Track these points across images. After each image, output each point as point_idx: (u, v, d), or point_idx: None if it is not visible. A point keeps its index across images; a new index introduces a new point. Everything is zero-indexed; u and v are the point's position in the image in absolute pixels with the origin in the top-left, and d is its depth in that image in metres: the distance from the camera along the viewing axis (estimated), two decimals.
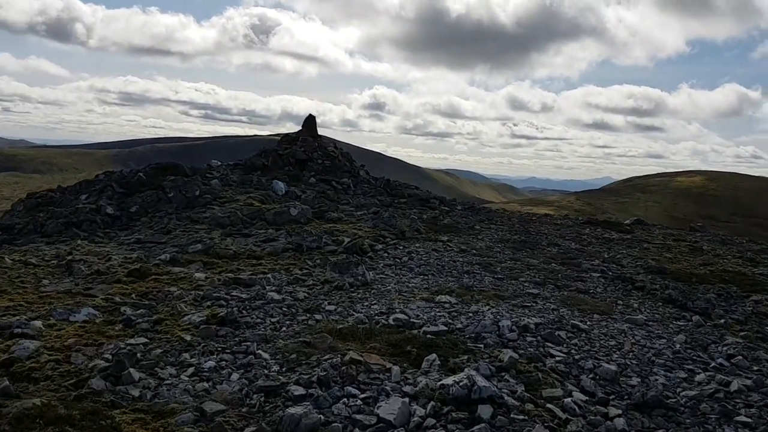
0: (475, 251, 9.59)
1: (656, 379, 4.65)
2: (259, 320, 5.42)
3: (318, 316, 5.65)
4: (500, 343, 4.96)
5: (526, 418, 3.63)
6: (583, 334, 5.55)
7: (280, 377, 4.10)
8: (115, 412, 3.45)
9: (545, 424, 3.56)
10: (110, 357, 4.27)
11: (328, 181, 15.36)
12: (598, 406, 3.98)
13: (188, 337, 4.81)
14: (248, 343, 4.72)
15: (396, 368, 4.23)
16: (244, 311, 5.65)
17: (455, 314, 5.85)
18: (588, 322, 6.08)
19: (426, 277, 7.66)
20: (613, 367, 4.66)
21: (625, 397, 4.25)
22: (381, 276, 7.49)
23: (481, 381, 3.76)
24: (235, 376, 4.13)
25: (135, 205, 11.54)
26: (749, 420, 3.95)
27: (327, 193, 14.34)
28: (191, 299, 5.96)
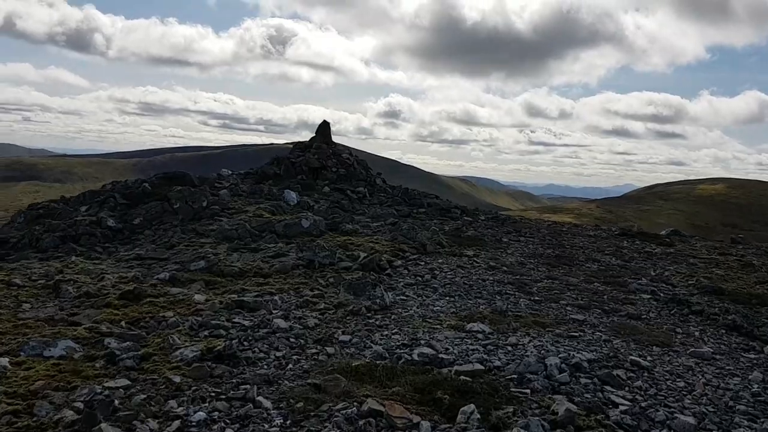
0: (505, 268, 8.81)
1: None
2: (262, 355, 4.72)
3: (330, 349, 4.94)
4: (550, 388, 4.19)
5: None
6: (646, 374, 4.76)
7: None
8: None
9: None
10: (81, 406, 3.60)
11: (343, 190, 14.70)
12: None
13: (177, 379, 4.12)
14: (247, 386, 4.02)
15: (425, 424, 3.49)
16: (245, 342, 4.96)
17: (491, 348, 5.09)
18: (648, 357, 5.28)
19: (452, 299, 6.91)
20: (691, 420, 3.87)
21: None
22: (402, 298, 6.76)
23: None
24: None
25: (138, 217, 10.98)
26: None
27: (341, 202, 13.67)
28: (187, 328, 5.28)
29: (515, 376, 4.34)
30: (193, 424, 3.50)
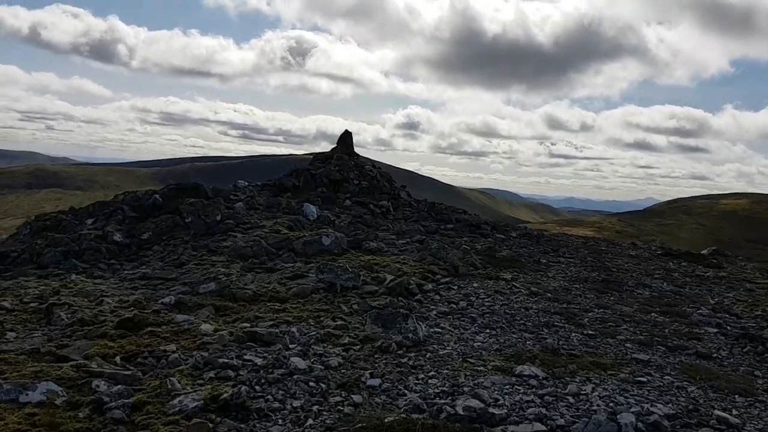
0: (549, 294, 8.01)
1: None
2: (276, 404, 4.02)
3: (357, 398, 4.22)
4: None
5: None
6: None
7: None
8: None
9: None
10: None
11: (366, 204, 14.02)
12: None
13: None
14: None
15: None
16: (257, 387, 4.27)
17: (549, 399, 4.32)
18: (734, 411, 4.48)
19: (494, 332, 6.15)
20: None
21: None
22: (436, 331, 6.01)
23: None
24: None
25: (147, 232, 10.41)
26: None
27: (364, 217, 12.99)
28: (190, 366, 4.62)
29: None
30: None
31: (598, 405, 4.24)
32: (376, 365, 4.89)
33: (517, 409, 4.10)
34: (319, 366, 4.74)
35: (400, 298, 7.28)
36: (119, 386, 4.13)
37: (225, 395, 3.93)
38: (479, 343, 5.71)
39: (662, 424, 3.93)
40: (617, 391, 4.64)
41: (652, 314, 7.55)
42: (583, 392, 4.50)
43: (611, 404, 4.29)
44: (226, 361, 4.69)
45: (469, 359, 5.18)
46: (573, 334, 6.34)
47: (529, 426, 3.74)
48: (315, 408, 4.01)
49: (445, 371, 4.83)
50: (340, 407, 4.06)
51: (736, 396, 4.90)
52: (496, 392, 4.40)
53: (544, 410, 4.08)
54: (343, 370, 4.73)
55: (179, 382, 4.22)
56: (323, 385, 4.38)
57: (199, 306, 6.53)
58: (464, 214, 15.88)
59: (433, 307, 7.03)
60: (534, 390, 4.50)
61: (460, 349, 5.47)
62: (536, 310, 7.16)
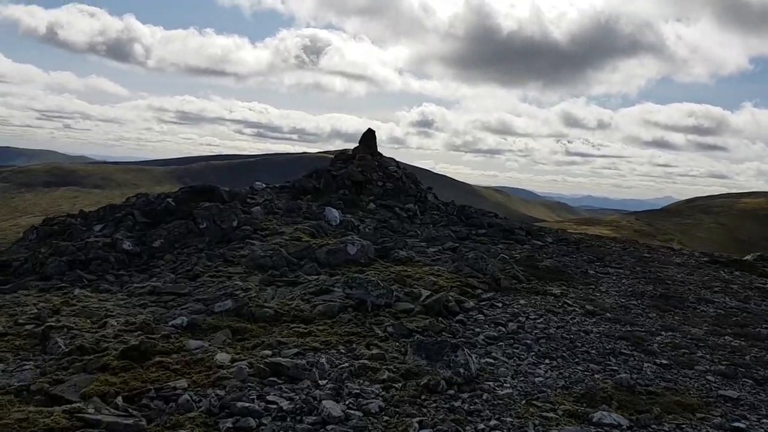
0: (608, 314, 7.20)
1: None
2: None
3: None
4: None
5: None
6: None
7: None
8: None
9: None
10: None
11: (391, 207, 13.29)
12: None
13: None
14: None
15: None
16: None
17: None
18: None
19: (555, 363, 5.37)
20: None
21: None
22: (488, 362, 5.25)
23: None
24: None
25: (159, 239, 9.79)
26: None
27: (390, 222, 12.26)
28: (203, 412, 3.92)
29: None
30: None
31: None
32: (425, 410, 4.15)
33: None
34: (357, 412, 4.01)
35: (439, 318, 6.54)
36: None
37: None
38: (541, 378, 4.94)
39: None
40: None
41: (726, 337, 6.72)
42: None
43: None
44: (246, 405, 3.98)
45: (534, 402, 4.41)
46: (645, 365, 5.54)
47: None
48: None
49: (509, 419, 4.07)
50: None
51: None
52: None
53: None
54: (386, 417, 3.99)
55: None
56: None
57: (214, 328, 5.84)
58: (496, 217, 15.09)
59: (478, 329, 6.26)
60: None
61: (521, 387, 4.70)
62: (597, 333, 6.36)
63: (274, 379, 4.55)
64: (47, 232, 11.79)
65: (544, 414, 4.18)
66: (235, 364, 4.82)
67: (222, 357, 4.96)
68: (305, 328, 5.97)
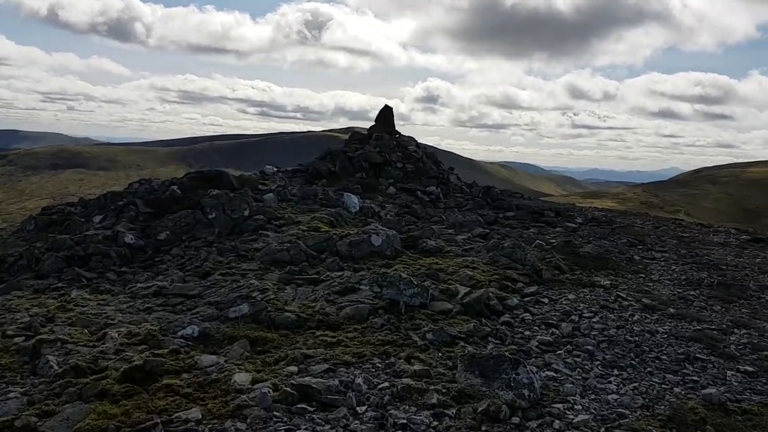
0: (670, 309, 6.46)
1: None
2: None
3: None
4: None
5: None
6: None
7: None
8: None
9: None
10: None
11: (412, 190, 12.54)
12: None
13: None
14: None
15: None
16: None
17: None
18: None
19: (625, 374, 4.67)
20: None
21: None
22: (550, 375, 4.55)
23: None
24: None
25: (164, 231, 9.11)
26: None
27: (412, 207, 11.52)
28: None
29: None
30: None
31: None
32: None
33: None
34: None
35: (482, 320, 5.85)
36: None
37: None
38: (615, 396, 4.24)
39: None
40: None
41: None
42: None
43: None
44: None
45: (617, 430, 3.71)
46: (728, 373, 4.83)
47: None
48: None
49: None
50: None
51: None
52: None
53: None
54: None
55: None
56: None
57: (229, 339, 5.18)
58: (523, 198, 14.31)
59: (528, 333, 5.56)
60: None
61: (595, 409, 4.00)
62: (664, 334, 5.64)
63: (304, 406, 3.89)
64: (46, 222, 11.18)
65: None
66: (256, 386, 4.15)
67: (241, 378, 4.30)
68: (333, 336, 5.30)
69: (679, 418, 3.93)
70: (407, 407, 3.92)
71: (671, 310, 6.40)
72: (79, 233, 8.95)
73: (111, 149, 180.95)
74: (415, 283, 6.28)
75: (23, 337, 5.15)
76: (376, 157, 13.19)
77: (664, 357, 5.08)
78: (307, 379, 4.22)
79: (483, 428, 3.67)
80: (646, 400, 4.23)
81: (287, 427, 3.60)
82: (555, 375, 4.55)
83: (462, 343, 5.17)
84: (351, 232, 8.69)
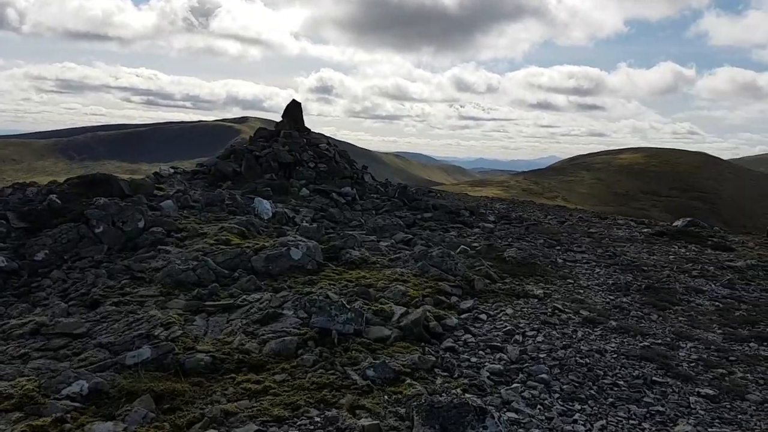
0: (611, 320, 6.24)
1: None
2: None
3: None
4: None
5: None
6: None
7: None
8: None
9: None
10: None
11: (327, 192, 11.81)
12: None
13: None
14: None
15: None
16: None
17: None
18: None
19: (588, 408, 4.28)
20: None
21: None
22: (511, 417, 4.05)
23: None
24: None
25: (42, 250, 7.80)
26: None
27: (329, 210, 10.80)
28: None
29: None
30: None
31: None
32: None
33: None
34: None
35: (425, 348, 5.29)
36: None
37: None
38: None
39: None
40: None
41: (750, 344, 5.95)
42: None
43: None
44: None
45: None
46: (691, 399, 4.58)
47: None
48: None
49: None
50: None
51: None
52: None
53: None
54: None
55: None
56: None
57: (128, 395, 4.24)
58: (437, 197, 14.00)
59: (475, 360, 5.07)
60: None
61: None
62: (614, 353, 5.36)
63: None
64: None
65: None
66: None
67: None
68: (258, 382, 4.52)
69: None
70: None
71: (612, 323, 6.17)
72: None
73: None
74: (348, 307, 5.60)
75: None
76: (286, 157, 12.31)
77: (621, 382, 4.77)
78: None
79: None
80: None
81: None
82: (517, 417, 4.06)
83: (408, 380, 4.58)
84: (266, 244, 7.84)
